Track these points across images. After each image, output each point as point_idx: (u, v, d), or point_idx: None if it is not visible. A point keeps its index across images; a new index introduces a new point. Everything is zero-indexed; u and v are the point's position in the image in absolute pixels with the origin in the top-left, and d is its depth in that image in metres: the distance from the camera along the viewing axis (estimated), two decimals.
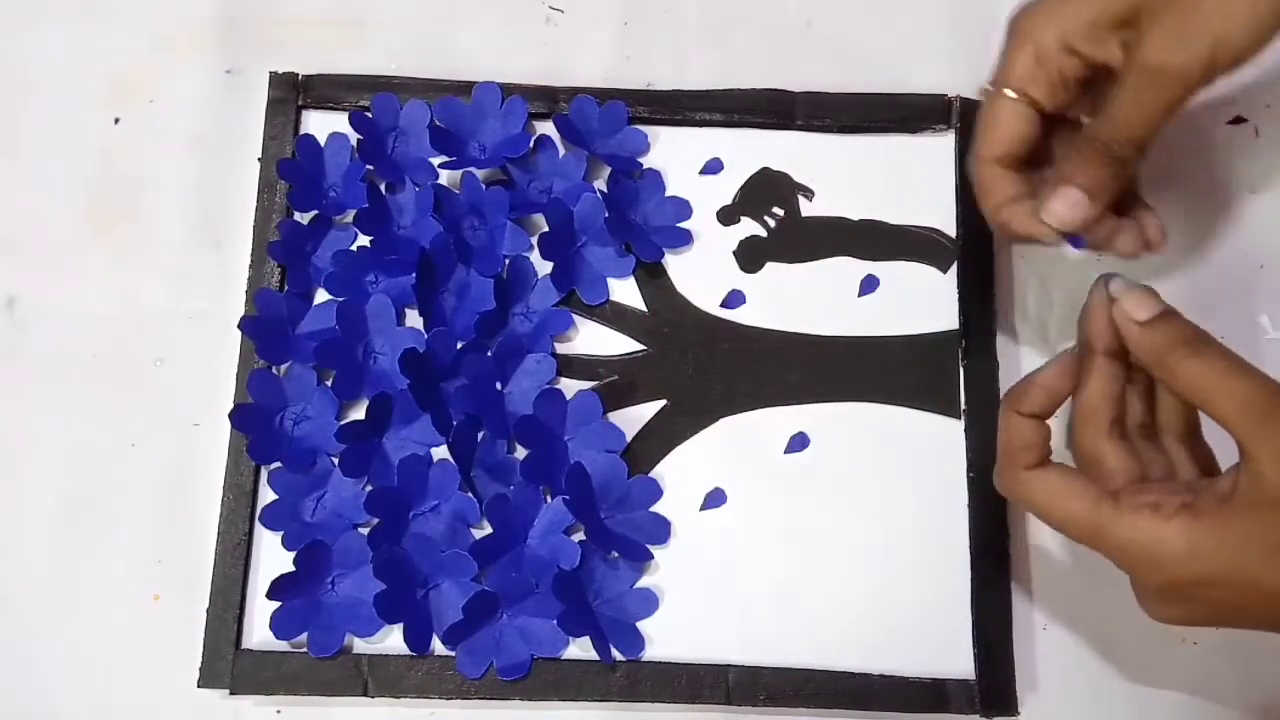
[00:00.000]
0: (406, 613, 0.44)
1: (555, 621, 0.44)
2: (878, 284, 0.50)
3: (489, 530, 0.45)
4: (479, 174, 0.50)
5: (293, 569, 0.44)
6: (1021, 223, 0.42)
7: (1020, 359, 0.49)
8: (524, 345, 0.48)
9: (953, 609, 0.45)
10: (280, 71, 0.51)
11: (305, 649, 0.44)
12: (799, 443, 0.48)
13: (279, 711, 0.45)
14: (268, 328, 0.47)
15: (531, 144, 0.50)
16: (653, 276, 0.50)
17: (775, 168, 0.51)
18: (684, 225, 0.50)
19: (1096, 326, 0.38)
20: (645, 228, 0.50)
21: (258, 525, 0.46)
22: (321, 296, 0.49)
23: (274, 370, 0.48)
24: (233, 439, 0.47)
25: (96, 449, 0.48)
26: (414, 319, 0.49)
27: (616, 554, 0.45)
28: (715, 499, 0.47)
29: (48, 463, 0.47)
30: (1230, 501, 0.34)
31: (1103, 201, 0.41)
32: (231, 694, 0.44)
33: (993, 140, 0.42)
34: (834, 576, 0.46)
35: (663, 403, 0.48)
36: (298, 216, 0.50)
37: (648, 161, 0.51)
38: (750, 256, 0.50)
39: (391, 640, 0.45)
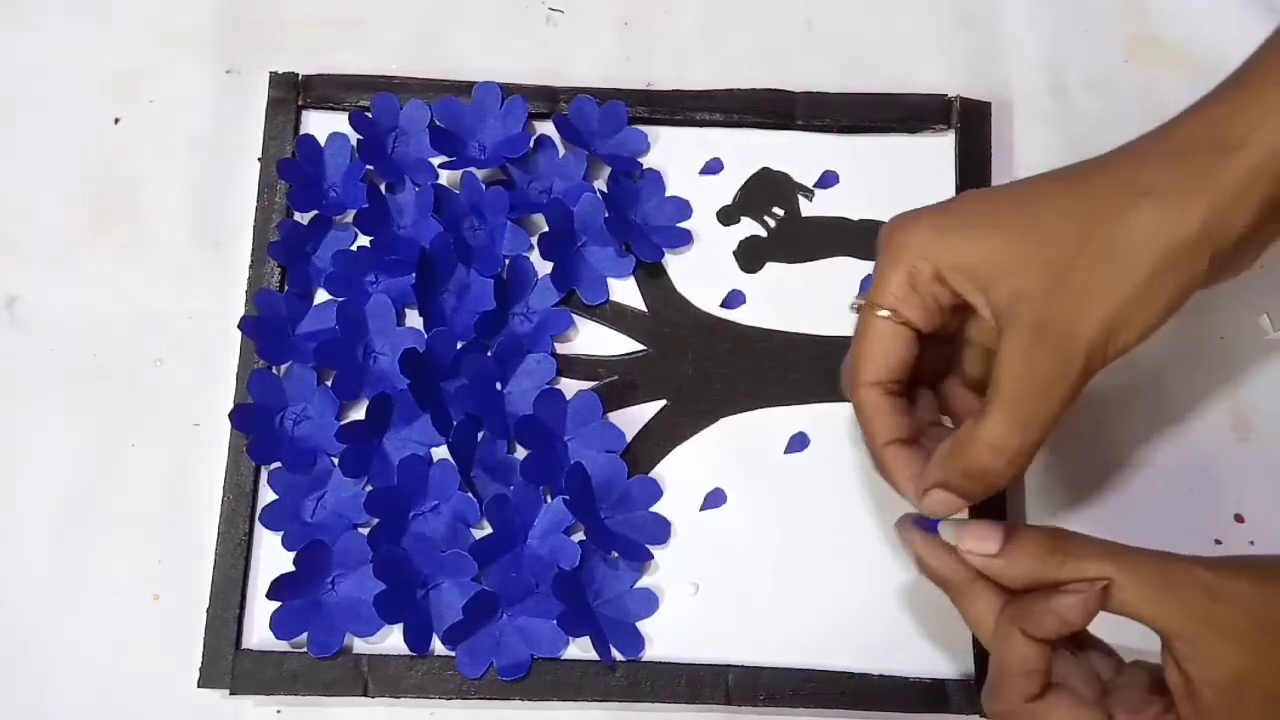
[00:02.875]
0: (406, 613, 0.44)
1: (555, 621, 0.44)
2: None
3: (489, 530, 0.45)
4: (479, 174, 0.50)
5: (293, 569, 0.44)
6: (905, 485, 0.38)
7: None
8: (524, 345, 0.48)
9: (953, 609, 0.45)
10: (280, 71, 0.51)
11: (305, 649, 0.44)
12: (799, 443, 0.48)
13: (279, 711, 0.45)
14: (268, 328, 0.47)
15: (531, 144, 0.50)
16: (653, 276, 0.50)
17: (775, 168, 0.51)
18: (684, 225, 0.50)
19: (946, 568, 0.36)
20: (645, 228, 0.50)
21: (258, 525, 0.46)
22: (321, 296, 0.49)
23: (274, 370, 0.48)
24: (233, 439, 0.47)
25: (96, 449, 0.48)
26: (414, 319, 0.49)
27: (616, 554, 0.45)
28: (715, 499, 0.47)
29: (48, 463, 0.47)
30: (1198, 700, 0.33)
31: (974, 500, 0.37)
32: (231, 694, 0.44)
33: (871, 363, 0.37)
34: (834, 576, 0.46)
35: (663, 403, 0.48)
36: (298, 216, 0.50)
37: (648, 161, 0.51)
38: (750, 256, 0.50)
39: (391, 640, 0.45)
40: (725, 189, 0.51)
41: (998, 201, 0.37)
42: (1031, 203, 0.36)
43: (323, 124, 0.51)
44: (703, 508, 0.47)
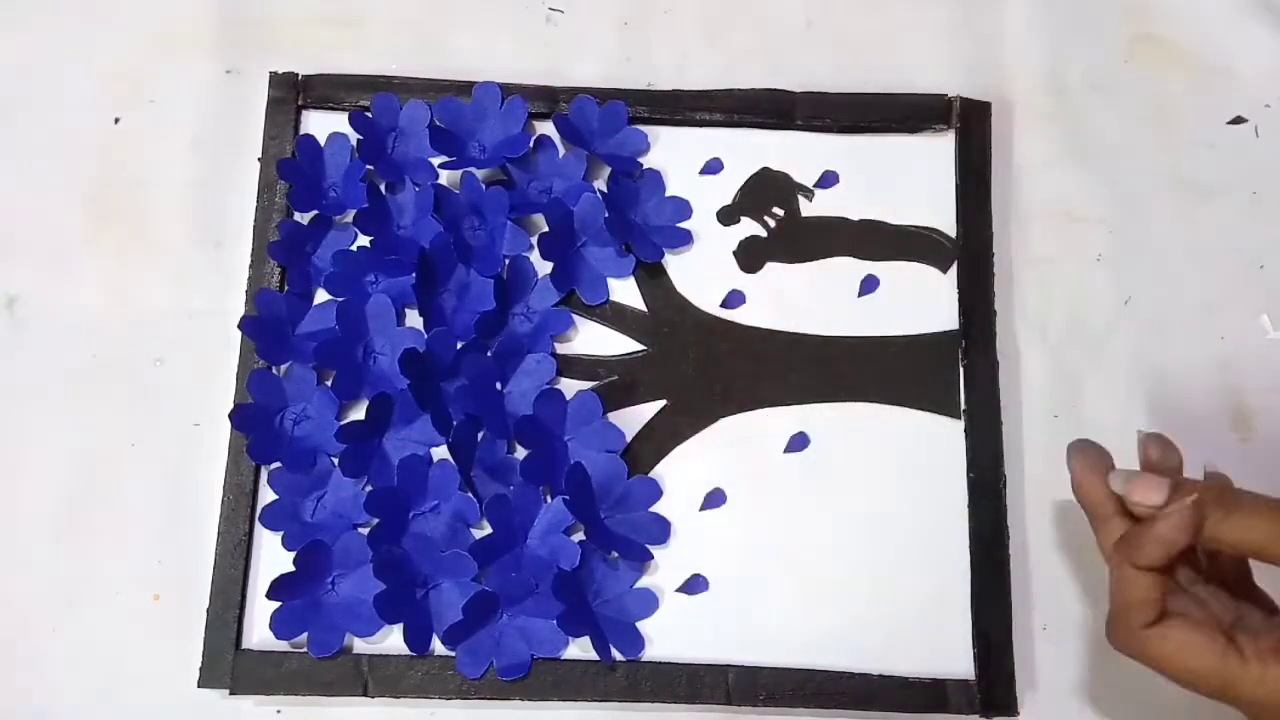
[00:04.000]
0: (406, 613, 0.44)
1: (555, 621, 0.44)
2: (878, 284, 0.50)
3: (489, 530, 0.45)
4: (479, 174, 0.50)
5: (293, 569, 0.44)
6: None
7: (1020, 359, 0.49)
8: (524, 345, 0.48)
9: (952, 609, 0.45)
10: (280, 71, 0.51)
11: (305, 649, 0.44)
12: (799, 443, 0.48)
13: (279, 711, 0.45)
14: (268, 328, 0.47)
15: (531, 144, 0.50)
16: (653, 276, 0.50)
17: (775, 168, 0.51)
18: (684, 225, 0.50)
19: (1096, 497, 0.38)
20: (645, 228, 0.50)
21: (258, 525, 0.46)
22: (321, 296, 0.49)
23: (274, 370, 0.48)
24: (233, 439, 0.47)
25: (96, 449, 0.48)
26: (414, 319, 0.49)
27: (616, 554, 0.45)
28: (715, 499, 0.47)
29: (48, 463, 0.47)
30: None
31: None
32: (231, 694, 0.44)
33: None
34: (834, 576, 0.46)
35: (663, 403, 0.48)
36: (298, 216, 0.50)
37: (648, 161, 0.51)
38: (750, 256, 0.50)
39: (391, 640, 0.45)
40: (725, 189, 0.51)
41: None
42: None
43: (323, 124, 0.51)
44: (703, 508, 0.47)
